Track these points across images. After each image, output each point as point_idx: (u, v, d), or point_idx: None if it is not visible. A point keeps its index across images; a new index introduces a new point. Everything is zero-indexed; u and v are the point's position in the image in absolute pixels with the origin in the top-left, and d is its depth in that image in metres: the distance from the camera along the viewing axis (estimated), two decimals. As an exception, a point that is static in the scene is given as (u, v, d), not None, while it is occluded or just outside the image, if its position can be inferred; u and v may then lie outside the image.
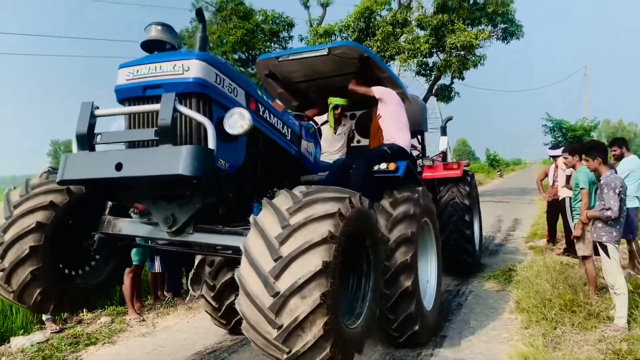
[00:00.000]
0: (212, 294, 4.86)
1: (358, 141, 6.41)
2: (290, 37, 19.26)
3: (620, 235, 5.09)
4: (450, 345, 4.70)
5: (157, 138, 2.81)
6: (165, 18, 3.44)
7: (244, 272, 2.58)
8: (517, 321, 5.24)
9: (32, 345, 5.22)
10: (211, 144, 2.82)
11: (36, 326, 5.83)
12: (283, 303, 2.46)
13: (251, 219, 2.75)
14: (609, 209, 4.82)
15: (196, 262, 4.97)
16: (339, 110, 5.62)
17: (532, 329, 4.82)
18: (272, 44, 18.77)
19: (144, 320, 6.08)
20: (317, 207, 2.69)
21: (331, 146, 5.70)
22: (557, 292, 5.49)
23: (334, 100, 5.51)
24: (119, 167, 2.76)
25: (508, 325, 5.21)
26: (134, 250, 5.67)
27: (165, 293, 7.05)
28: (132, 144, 3.10)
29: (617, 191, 4.84)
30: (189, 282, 5.03)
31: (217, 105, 3.12)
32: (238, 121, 3.02)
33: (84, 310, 6.28)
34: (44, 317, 5.74)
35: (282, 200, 2.79)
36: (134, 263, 6.15)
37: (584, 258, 5.64)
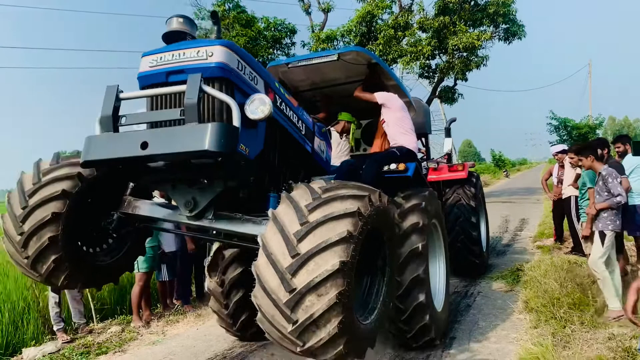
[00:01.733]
0: (221, 290, 4.87)
1: (364, 149, 6.44)
2: (293, 44, 19.31)
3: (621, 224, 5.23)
4: (459, 346, 4.70)
5: (183, 117, 2.84)
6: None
7: (262, 266, 2.60)
8: (526, 321, 5.23)
9: (43, 356, 5.27)
10: (236, 122, 2.84)
11: (47, 337, 5.88)
12: (299, 300, 2.49)
13: (270, 212, 2.76)
14: (618, 195, 4.96)
15: (214, 248, 5.02)
16: (348, 124, 5.64)
17: (541, 329, 4.81)
18: (275, 51, 18.83)
19: (149, 327, 6.12)
20: (337, 204, 2.69)
21: (336, 151, 5.73)
22: (566, 291, 5.49)
23: (345, 117, 5.52)
24: (144, 145, 2.77)
25: (517, 325, 5.21)
26: (142, 258, 5.70)
27: (174, 301, 7.09)
28: (155, 125, 3.11)
29: (618, 180, 5.04)
30: (206, 269, 5.08)
31: (238, 91, 3.14)
32: (259, 106, 3.04)
33: (94, 319, 6.35)
34: (55, 327, 5.79)
35: (301, 195, 2.79)
36: (142, 270, 6.23)
37: (592, 256, 5.64)
